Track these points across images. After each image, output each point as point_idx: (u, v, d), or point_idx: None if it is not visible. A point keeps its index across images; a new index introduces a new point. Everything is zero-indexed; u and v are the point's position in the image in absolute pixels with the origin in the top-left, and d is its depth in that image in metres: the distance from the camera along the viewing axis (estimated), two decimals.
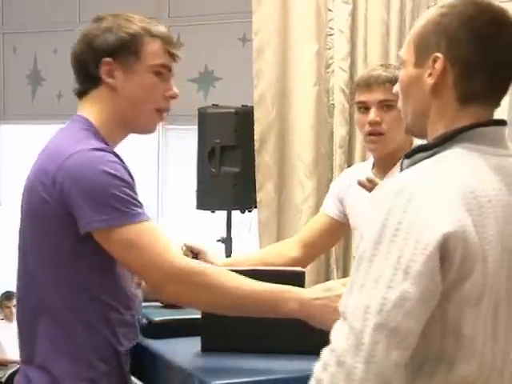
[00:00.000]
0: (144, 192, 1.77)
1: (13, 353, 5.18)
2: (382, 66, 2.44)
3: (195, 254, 2.24)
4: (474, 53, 1.33)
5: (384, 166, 2.37)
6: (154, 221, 1.80)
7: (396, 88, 1.47)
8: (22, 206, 1.84)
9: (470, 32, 1.33)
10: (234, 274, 1.75)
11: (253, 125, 3.52)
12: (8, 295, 5.82)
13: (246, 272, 1.81)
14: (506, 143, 1.38)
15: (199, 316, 1.91)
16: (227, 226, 3.78)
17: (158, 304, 2.17)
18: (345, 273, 3.45)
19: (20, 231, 1.84)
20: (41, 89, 5.82)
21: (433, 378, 1.26)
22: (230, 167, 3.61)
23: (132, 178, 1.74)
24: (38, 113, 5.67)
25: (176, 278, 1.69)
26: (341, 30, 3.48)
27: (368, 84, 2.34)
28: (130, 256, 1.70)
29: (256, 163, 3.54)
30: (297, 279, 1.88)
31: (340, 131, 3.48)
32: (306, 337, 1.74)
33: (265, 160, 3.53)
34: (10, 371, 5.52)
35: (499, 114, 1.37)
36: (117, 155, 1.75)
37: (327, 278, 3.48)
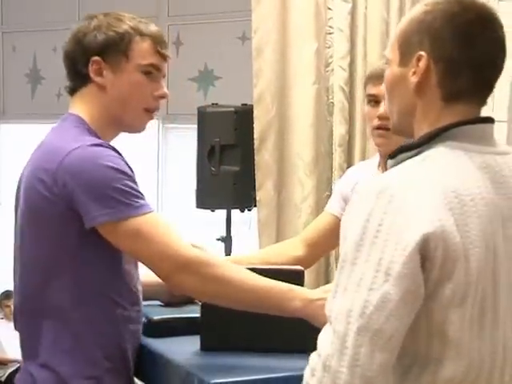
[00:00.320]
0: (143, 191, 1.77)
1: (13, 352, 5.18)
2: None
3: None
4: (457, 51, 1.32)
5: None
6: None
7: (382, 88, 1.47)
8: (18, 207, 1.84)
9: (453, 30, 1.32)
10: (242, 268, 1.76)
11: (252, 123, 3.52)
12: (8, 294, 5.83)
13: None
14: (494, 141, 1.37)
15: (198, 315, 1.91)
16: (227, 225, 3.78)
17: (157, 303, 2.17)
18: None
19: (17, 231, 1.84)
20: (40, 88, 5.82)
21: (421, 379, 1.26)
22: (229, 166, 3.61)
23: (132, 171, 1.75)
24: (38, 112, 5.66)
25: (183, 268, 1.71)
26: (340, 28, 3.48)
27: (379, 77, 2.31)
28: (138, 246, 1.71)
29: (256, 162, 3.54)
30: (296, 278, 1.88)
31: (339, 130, 3.48)
32: (305, 335, 1.74)
33: (264, 159, 3.53)
34: (9, 370, 5.52)
35: (498, 113, 1.37)
36: (115, 149, 1.76)
37: (327, 277, 3.48)
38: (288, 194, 3.55)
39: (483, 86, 1.36)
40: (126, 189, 1.70)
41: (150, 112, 1.89)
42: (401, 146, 1.35)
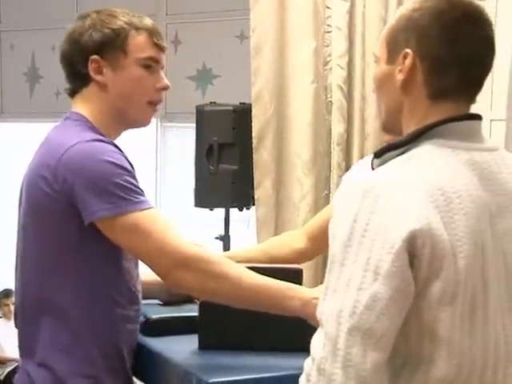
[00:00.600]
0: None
1: (11, 351, 5.18)
2: None
3: None
4: (444, 48, 1.31)
5: None
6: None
7: (372, 87, 1.46)
8: (20, 205, 1.84)
9: (440, 27, 1.32)
10: (241, 266, 1.75)
11: (251, 122, 3.52)
12: (6, 293, 5.82)
13: None
14: (482, 137, 1.36)
15: (197, 314, 1.91)
16: (225, 224, 3.78)
17: (156, 301, 2.17)
18: None
19: (19, 229, 1.83)
20: (39, 86, 5.81)
21: (413, 379, 1.25)
22: (227, 165, 3.61)
23: (132, 167, 1.75)
24: (36, 110, 5.66)
25: (182, 264, 1.70)
26: (339, 27, 3.48)
27: None
28: (136, 242, 1.70)
29: (254, 161, 3.53)
30: (295, 277, 1.88)
31: (338, 128, 3.48)
32: (303, 334, 1.74)
33: (263, 157, 3.53)
34: (8, 369, 5.51)
35: (497, 111, 1.36)
36: (115, 145, 1.76)
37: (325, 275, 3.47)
38: (286, 192, 3.55)
39: (471, 83, 1.35)
40: (126, 184, 1.69)
41: (153, 104, 1.89)
42: (387, 145, 1.34)
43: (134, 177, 1.73)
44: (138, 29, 1.83)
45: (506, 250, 1.31)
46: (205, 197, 3.70)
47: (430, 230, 1.20)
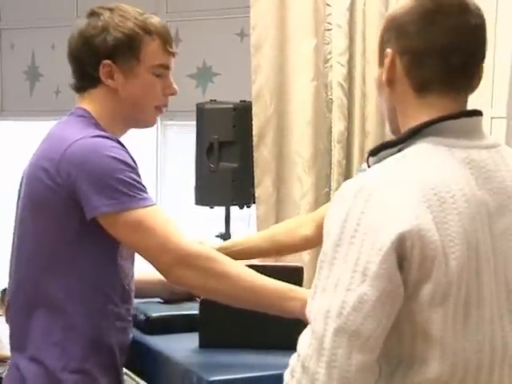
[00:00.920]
0: None
1: None
2: None
3: None
4: (419, 41, 1.32)
5: None
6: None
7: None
8: (20, 200, 1.83)
9: (414, 21, 1.32)
10: (243, 265, 1.75)
11: (251, 120, 3.52)
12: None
13: None
14: (481, 134, 1.35)
15: (197, 312, 1.91)
16: (226, 222, 3.78)
17: (156, 299, 2.17)
18: None
19: (17, 224, 1.83)
20: (39, 85, 5.80)
21: (407, 380, 1.25)
22: (228, 163, 3.61)
23: (135, 163, 1.75)
24: (36, 109, 5.65)
25: (184, 262, 1.70)
26: (339, 24, 3.47)
27: None
28: (138, 238, 1.70)
29: (254, 159, 3.53)
30: (295, 275, 1.88)
31: (338, 126, 3.48)
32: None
33: (263, 155, 3.53)
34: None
35: (497, 108, 1.35)
36: (119, 141, 1.76)
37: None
38: (287, 190, 3.55)
39: (453, 73, 1.33)
40: (130, 180, 1.70)
41: (160, 108, 1.90)
42: (383, 143, 1.34)
43: (137, 173, 1.73)
44: (151, 34, 1.82)
45: (505, 249, 1.30)
46: (205, 195, 3.70)
47: (419, 232, 1.19)
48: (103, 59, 1.80)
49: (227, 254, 1.81)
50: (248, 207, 3.74)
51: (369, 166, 1.34)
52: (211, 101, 3.77)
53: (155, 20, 1.86)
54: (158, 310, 2.07)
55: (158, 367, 1.91)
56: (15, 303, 1.84)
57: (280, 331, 1.83)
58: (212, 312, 1.85)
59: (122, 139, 1.88)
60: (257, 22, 3.52)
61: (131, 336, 1.90)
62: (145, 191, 1.72)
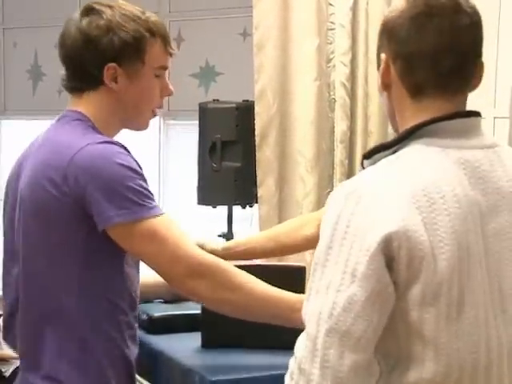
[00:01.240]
0: None
1: None
2: None
3: (200, 247, 2.23)
4: (409, 44, 1.32)
5: None
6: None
7: None
8: (21, 211, 1.74)
9: (406, 25, 1.33)
10: (252, 276, 1.72)
11: (254, 120, 3.51)
12: None
13: (247, 267, 1.81)
14: (478, 134, 1.35)
15: (199, 312, 1.91)
16: (228, 222, 3.77)
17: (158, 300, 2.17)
18: None
19: (23, 237, 1.74)
20: (41, 84, 5.80)
21: (404, 379, 1.25)
22: (230, 162, 3.60)
23: (141, 169, 1.71)
24: (39, 108, 5.65)
25: (196, 273, 1.68)
26: (342, 24, 3.47)
27: None
28: (151, 249, 1.67)
29: (257, 158, 3.53)
30: (297, 275, 1.88)
31: (341, 126, 3.47)
32: None
33: (266, 155, 3.53)
34: (13, 366, 5.51)
35: (500, 108, 1.35)
36: (124, 147, 1.72)
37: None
38: (289, 190, 3.55)
39: (447, 75, 1.33)
40: (140, 189, 1.66)
41: (155, 112, 1.86)
42: (377, 146, 1.35)
43: (145, 180, 1.69)
44: (154, 35, 1.77)
45: (498, 249, 1.30)
46: (208, 194, 3.70)
47: (406, 233, 1.20)
48: (108, 62, 1.74)
49: (231, 255, 1.81)
50: (250, 207, 3.74)
51: (363, 168, 1.34)
52: (214, 100, 3.77)
53: (155, 19, 1.81)
54: (161, 310, 2.07)
55: (160, 367, 1.91)
56: (24, 320, 1.76)
57: (282, 331, 1.83)
58: (214, 312, 1.85)
59: (124, 138, 1.87)
60: (259, 22, 3.52)
61: None
62: (153, 199, 1.69)
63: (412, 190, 1.23)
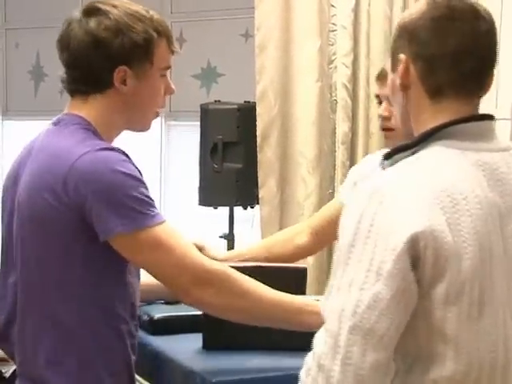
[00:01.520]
0: None
1: None
2: None
3: (198, 249, 2.23)
4: (430, 46, 1.34)
5: None
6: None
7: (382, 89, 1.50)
8: (18, 219, 1.70)
9: (425, 27, 1.35)
10: (258, 282, 1.71)
11: (255, 121, 3.52)
12: None
13: (249, 269, 1.81)
14: (493, 138, 1.37)
15: (201, 313, 1.91)
16: (229, 223, 3.78)
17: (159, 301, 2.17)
18: None
19: (20, 245, 1.70)
20: (43, 85, 5.80)
21: (423, 378, 1.26)
22: (232, 163, 3.61)
23: (141, 175, 1.68)
24: (41, 109, 5.65)
25: (202, 281, 1.65)
26: (343, 25, 3.47)
27: (380, 77, 2.33)
28: (155, 258, 1.63)
29: (258, 159, 3.53)
30: (299, 276, 1.88)
31: (342, 127, 3.47)
32: (306, 334, 1.74)
33: (267, 156, 3.53)
34: (14, 367, 5.52)
35: (501, 110, 1.37)
36: (125, 154, 1.68)
37: (330, 275, 3.46)
38: (291, 191, 3.55)
39: (466, 78, 1.35)
40: (142, 197, 1.62)
41: (158, 113, 1.84)
42: (397, 147, 1.36)
43: (146, 187, 1.66)
44: (160, 35, 1.74)
45: None
46: (209, 195, 3.70)
47: (432, 232, 1.21)
48: (119, 64, 1.70)
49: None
50: (252, 208, 3.74)
51: (383, 169, 1.36)
52: (215, 101, 3.77)
53: (158, 17, 1.78)
54: (162, 311, 2.07)
55: (161, 368, 1.91)
56: (22, 330, 1.72)
57: (284, 332, 1.83)
58: None
59: (125, 140, 1.86)
60: (261, 23, 3.52)
61: None
62: (155, 206, 1.66)
63: (435, 191, 1.25)
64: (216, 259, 1.82)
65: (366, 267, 1.21)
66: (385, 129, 2.30)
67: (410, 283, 1.21)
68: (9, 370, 1.87)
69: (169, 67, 1.80)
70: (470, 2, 1.37)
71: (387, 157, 1.36)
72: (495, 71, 1.40)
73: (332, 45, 3.52)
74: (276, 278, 1.78)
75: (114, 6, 1.72)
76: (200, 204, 3.75)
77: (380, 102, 2.33)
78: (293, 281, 1.80)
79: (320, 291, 3.61)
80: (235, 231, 3.80)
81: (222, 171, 3.60)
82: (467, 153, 1.31)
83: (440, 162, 1.30)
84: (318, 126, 3.49)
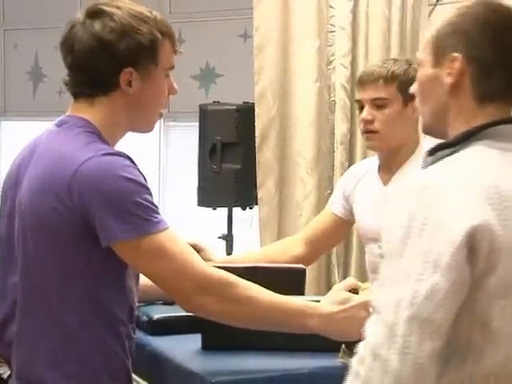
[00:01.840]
0: None
1: None
2: (384, 61, 2.44)
3: (197, 251, 2.23)
4: (490, 52, 1.38)
5: (388, 167, 2.38)
6: None
7: (413, 88, 1.49)
8: (19, 216, 1.70)
9: (486, 32, 1.38)
10: (258, 286, 1.71)
11: (254, 121, 3.52)
12: None
13: (247, 269, 1.81)
14: None
15: None
16: (228, 223, 3.78)
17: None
18: (345, 270, 3.44)
19: (22, 243, 1.69)
20: (42, 85, 5.81)
21: (461, 369, 1.29)
22: (231, 164, 3.61)
23: (146, 180, 1.67)
24: (40, 109, 5.66)
25: (203, 288, 1.65)
26: (342, 26, 3.47)
27: (361, 82, 2.37)
28: (158, 264, 1.63)
29: (257, 160, 3.53)
30: (298, 276, 1.89)
31: (341, 128, 3.48)
32: (306, 335, 1.74)
33: (266, 157, 3.53)
34: None
35: None
36: (130, 159, 1.67)
37: (328, 276, 3.47)
38: (289, 192, 3.55)
39: None
40: (146, 203, 1.61)
41: (162, 114, 1.83)
42: (439, 144, 1.40)
43: (151, 193, 1.65)
44: (164, 35, 1.74)
45: None
46: (208, 196, 3.70)
47: (488, 226, 1.25)
48: (125, 66, 1.69)
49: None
50: (250, 208, 3.75)
51: (425, 165, 1.39)
52: (214, 102, 3.78)
53: (161, 17, 1.78)
54: (161, 311, 2.07)
55: (160, 368, 1.91)
56: (21, 331, 1.71)
57: (283, 333, 1.83)
58: None
59: (124, 141, 1.85)
60: (260, 24, 3.52)
61: None
62: (158, 212, 1.65)
63: (484, 187, 1.28)
64: (213, 262, 1.80)
65: (423, 259, 1.24)
66: (368, 131, 2.34)
67: (465, 276, 1.24)
68: (6, 371, 1.85)
69: (173, 67, 1.80)
70: None
71: (430, 154, 1.40)
72: None
73: (330, 45, 3.52)
74: (275, 279, 1.78)
75: (118, 8, 1.71)
76: (199, 205, 3.75)
77: (361, 107, 2.36)
78: (291, 281, 1.80)
79: (318, 291, 3.62)
80: (234, 232, 3.80)
81: (221, 172, 3.61)
82: (507, 153, 1.36)
83: (482, 161, 1.34)
84: (316, 127, 3.49)
